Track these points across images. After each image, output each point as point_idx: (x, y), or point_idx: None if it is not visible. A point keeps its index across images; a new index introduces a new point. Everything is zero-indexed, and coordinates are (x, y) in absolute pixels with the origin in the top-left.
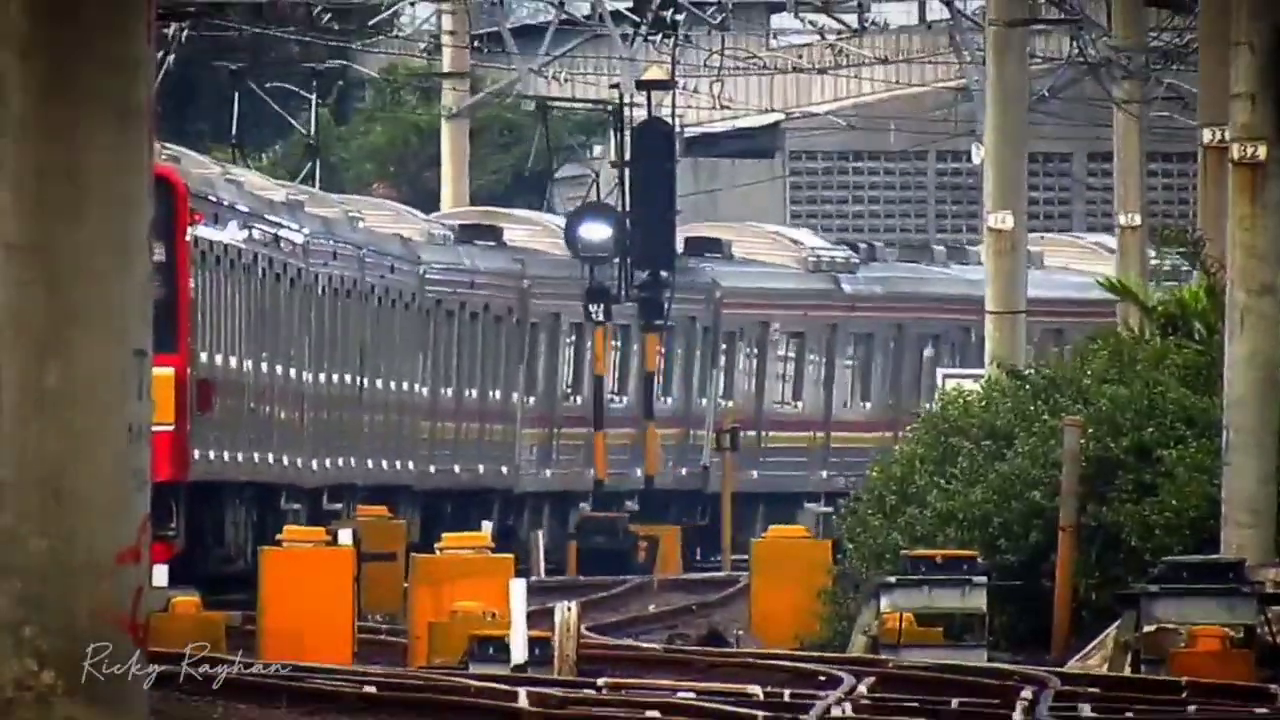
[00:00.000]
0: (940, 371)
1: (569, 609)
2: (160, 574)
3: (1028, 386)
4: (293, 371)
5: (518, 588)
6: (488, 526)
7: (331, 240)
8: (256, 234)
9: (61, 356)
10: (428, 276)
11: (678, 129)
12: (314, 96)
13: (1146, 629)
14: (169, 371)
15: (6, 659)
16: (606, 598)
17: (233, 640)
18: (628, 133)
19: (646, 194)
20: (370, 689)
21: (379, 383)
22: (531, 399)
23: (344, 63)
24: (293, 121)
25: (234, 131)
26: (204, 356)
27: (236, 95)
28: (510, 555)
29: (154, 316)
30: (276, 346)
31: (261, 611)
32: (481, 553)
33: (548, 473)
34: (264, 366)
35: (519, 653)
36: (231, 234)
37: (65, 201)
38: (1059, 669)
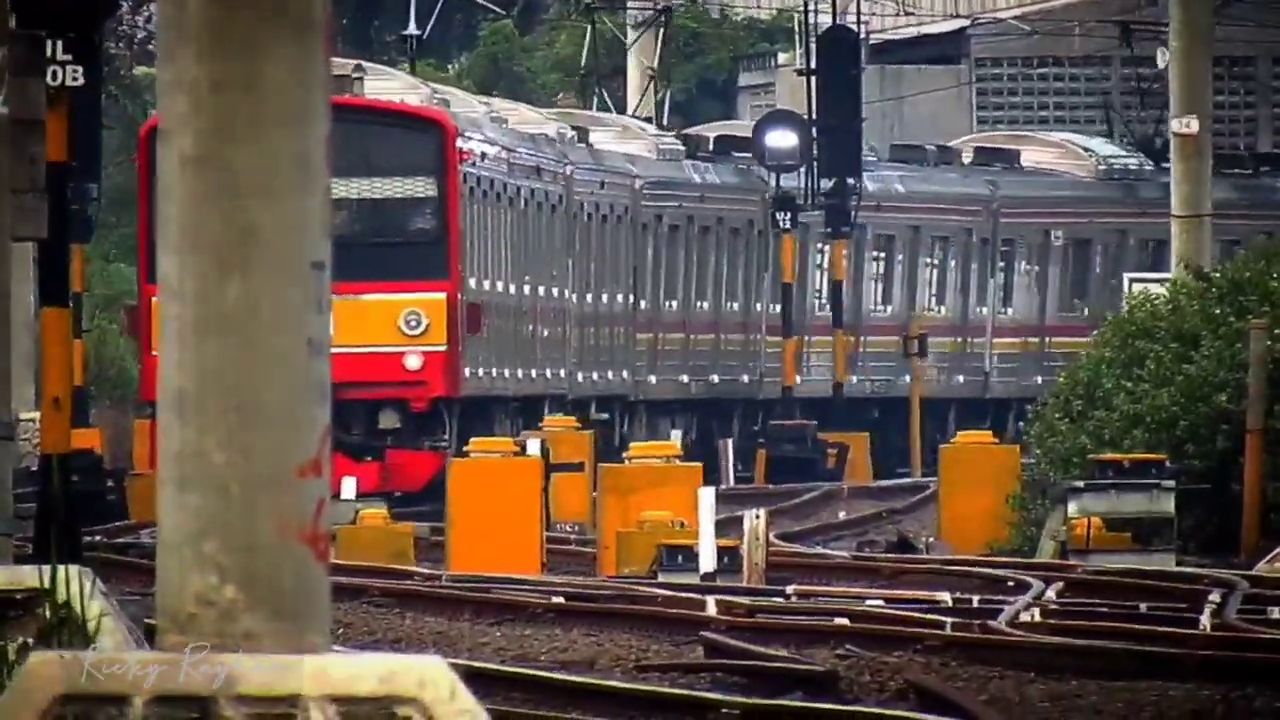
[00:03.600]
0: (1126, 275)
1: (758, 517)
2: (349, 487)
3: (1214, 289)
4: (555, 290)
5: (706, 496)
6: (676, 435)
7: (599, 170)
8: (520, 167)
9: (240, 270)
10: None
11: (862, 36)
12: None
13: None
14: (441, 297)
15: (188, 573)
16: (795, 505)
17: (421, 552)
18: (813, 41)
19: (832, 102)
20: (559, 599)
21: (643, 302)
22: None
23: None
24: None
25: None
26: (473, 282)
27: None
28: (698, 464)
29: (427, 247)
30: (541, 270)
31: (450, 523)
32: (670, 462)
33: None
34: (528, 288)
35: (708, 561)
36: (497, 168)
37: (242, 115)
38: (1247, 572)
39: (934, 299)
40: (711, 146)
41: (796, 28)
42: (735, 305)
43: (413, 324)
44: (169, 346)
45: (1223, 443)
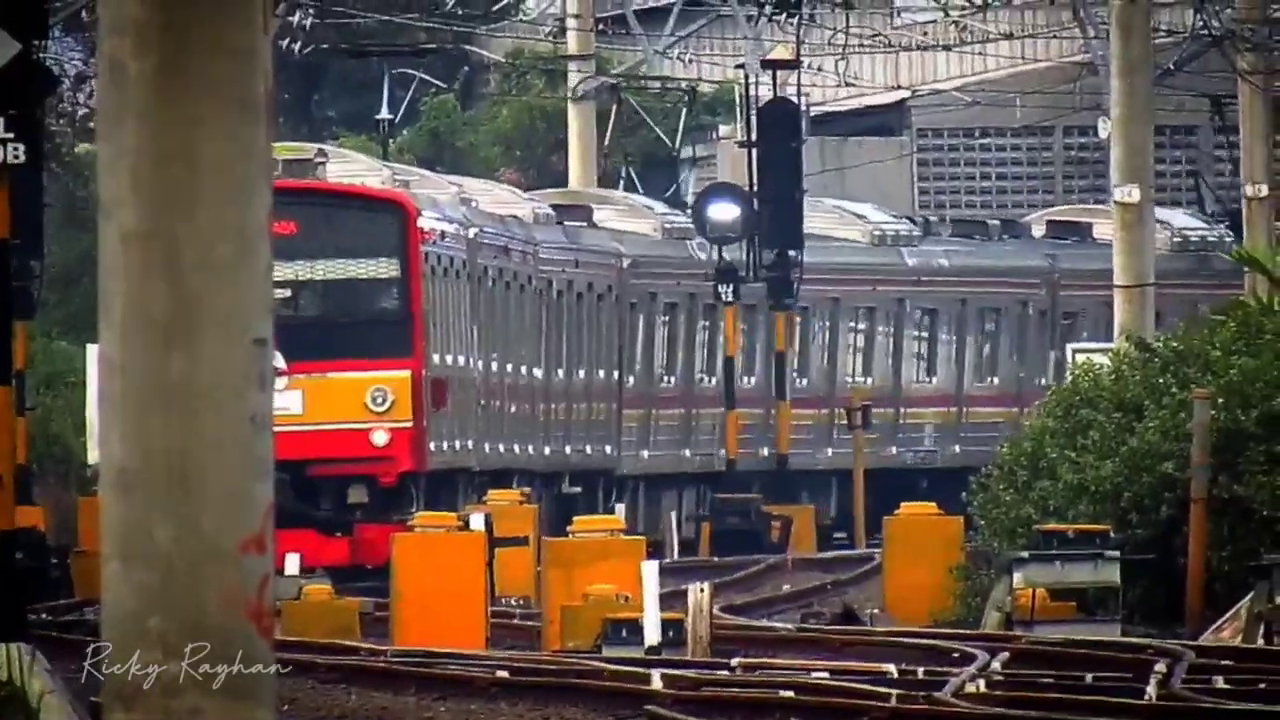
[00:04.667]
0: (1069, 345)
1: (702, 590)
2: (292, 563)
3: (1156, 359)
4: (524, 366)
5: (650, 570)
6: (620, 510)
7: (572, 249)
8: (486, 246)
9: (183, 346)
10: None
11: (803, 108)
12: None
13: (1279, 600)
14: (405, 374)
15: (133, 649)
16: (740, 578)
17: (366, 627)
18: (754, 113)
19: (773, 174)
20: (503, 674)
21: (631, 377)
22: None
23: (469, 48)
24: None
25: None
26: (436, 358)
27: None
28: (642, 537)
29: (391, 326)
30: (508, 346)
31: (394, 597)
32: (614, 535)
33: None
34: (495, 364)
35: (652, 635)
36: (458, 247)
37: (183, 190)
38: (1193, 642)
39: (985, 370)
40: None
41: (738, 100)
42: (751, 380)
43: (379, 400)
44: (111, 422)
45: (1167, 512)
